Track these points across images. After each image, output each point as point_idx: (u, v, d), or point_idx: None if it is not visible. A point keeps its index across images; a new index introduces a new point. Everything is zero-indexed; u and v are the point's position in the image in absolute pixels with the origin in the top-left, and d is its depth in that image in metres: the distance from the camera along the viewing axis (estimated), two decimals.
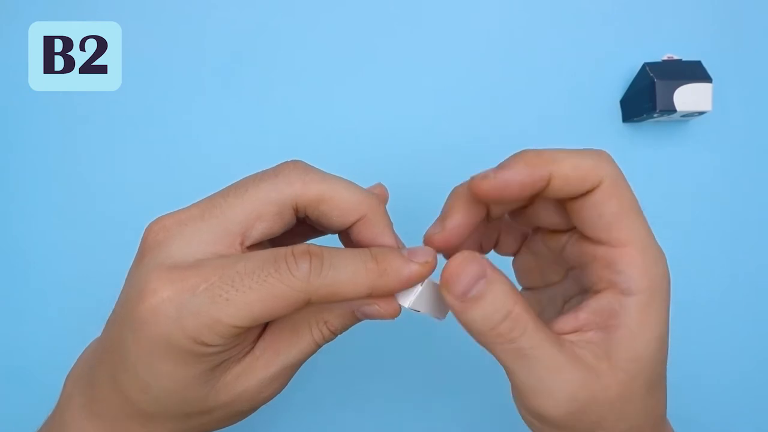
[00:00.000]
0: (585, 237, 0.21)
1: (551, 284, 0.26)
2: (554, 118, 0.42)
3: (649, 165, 0.42)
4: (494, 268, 0.20)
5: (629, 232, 0.20)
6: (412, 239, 0.24)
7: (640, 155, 0.42)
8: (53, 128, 0.41)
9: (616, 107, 0.42)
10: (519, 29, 0.42)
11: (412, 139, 0.42)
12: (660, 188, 0.42)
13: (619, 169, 0.21)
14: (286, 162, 0.23)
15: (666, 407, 0.25)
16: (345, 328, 0.24)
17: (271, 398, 0.23)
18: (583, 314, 0.21)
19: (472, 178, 0.21)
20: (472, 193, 0.21)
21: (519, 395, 0.21)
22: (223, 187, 0.23)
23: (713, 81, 0.38)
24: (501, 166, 0.20)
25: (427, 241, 0.23)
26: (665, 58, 0.40)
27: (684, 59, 0.40)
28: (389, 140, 0.42)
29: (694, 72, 0.38)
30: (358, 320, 0.24)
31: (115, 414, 0.22)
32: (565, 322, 0.21)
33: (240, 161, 0.42)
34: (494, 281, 0.20)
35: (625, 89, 0.42)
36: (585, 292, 0.22)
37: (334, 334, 0.24)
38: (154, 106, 0.41)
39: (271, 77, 0.42)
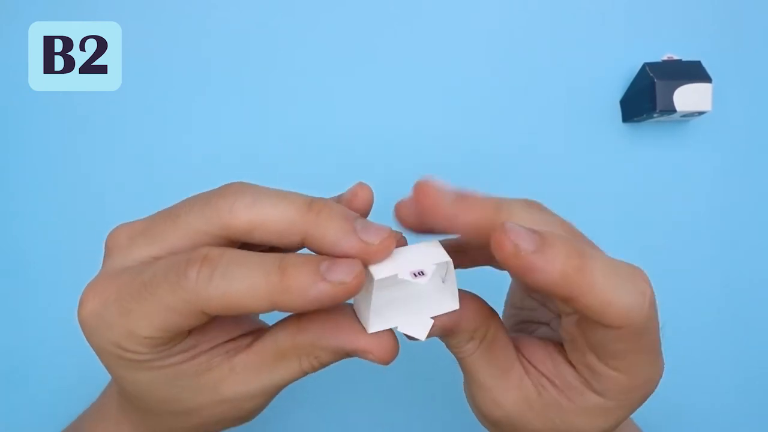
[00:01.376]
0: (582, 333, 0.20)
1: (525, 308, 0.27)
2: (554, 117, 0.42)
3: (649, 165, 0.42)
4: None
5: (629, 366, 0.20)
6: (408, 241, 0.24)
7: (640, 155, 0.42)
8: (53, 128, 0.41)
9: (616, 107, 0.42)
10: (519, 29, 0.42)
11: (412, 139, 0.42)
12: (660, 188, 0.42)
13: (655, 310, 0.19)
14: (224, 186, 0.20)
15: None
16: (337, 361, 0.22)
17: (257, 411, 0.22)
18: (551, 366, 0.22)
19: (503, 230, 0.17)
20: (492, 243, 0.18)
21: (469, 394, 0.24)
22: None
23: (713, 81, 0.38)
24: (544, 247, 0.17)
25: (425, 187, 0.19)
26: (665, 58, 0.40)
27: (684, 59, 0.40)
28: (389, 140, 0.42)
29: (694, 72, 0.38)
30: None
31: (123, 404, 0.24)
32: (533, 355, 0.22)
33: (240, 161, 0.42)
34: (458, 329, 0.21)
35: (625, 89, 0.42)
36: (558, 344, 0.23)
37: (324, 366, 0.22)
38: (154, 106, 0.41)
39: (271, 77, 0.42)
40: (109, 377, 0.26)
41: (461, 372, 0.24)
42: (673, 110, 0.38)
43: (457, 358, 0.23)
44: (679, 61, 0.40)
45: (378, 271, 0.19)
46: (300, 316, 0.21)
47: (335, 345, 0.20)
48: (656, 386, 0.21)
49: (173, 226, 0.20)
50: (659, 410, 0.41)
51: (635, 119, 0.41)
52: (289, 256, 0.18)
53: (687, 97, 0.38)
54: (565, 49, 0.42)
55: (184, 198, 0.21)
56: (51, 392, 0.42)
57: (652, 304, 0.19)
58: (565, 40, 0.42)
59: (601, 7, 0.42)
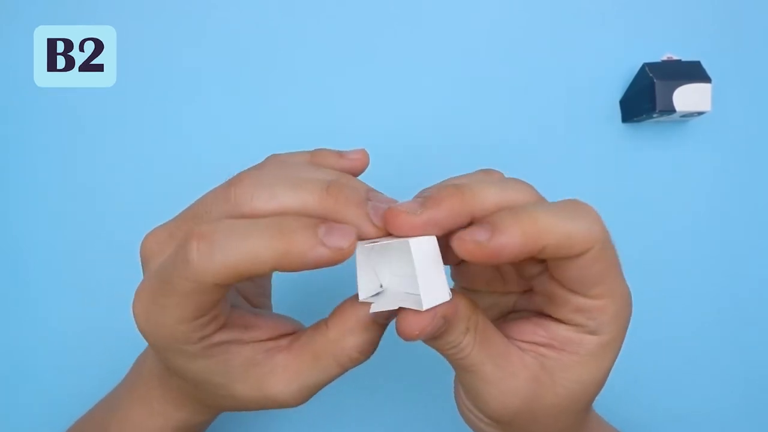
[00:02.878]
0: (559, 282, 0.21)
1: (495, 292, 0.26)
2: (554, 118, 0.42)
3: (649, 165, 0.42)
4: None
5: (608, 288, 0.21)
6: None
7: (640, 155, 0.42)
8: (56, 121, 0.43)
9: (616, 107, 0.42)
10: (518, 29, 0.42)
11: (412, 139, 0.42)
12: (659, 188, 0.42)
13: (605, 226, 0.21)
14: (237, 178, 0.21)
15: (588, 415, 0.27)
16: (371, 349, 0.23)
17: (298, 404, 0.24)
18: (542, 332, 0.22)
19: (459, 238, 0.19)
20: (457, 252, 0.19)
21: (463, 395, 0.24)
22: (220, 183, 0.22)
23: (712, 81, 0.38)
24: (494, 229, 0.19)
25: (393, 216, 0.20)
26: (665, 58, 0.40)
27: (683, 59, 0.40)
28: (388, 140, 0.42)
29: (694, 72, 0.38)
30: (381, 331, 0.23)
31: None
32: (522, 332, 0.23)
33: (233, 157, 0.42)
34: (456, 319, 0.21)
35: (625, 89, 0.42)
36: (539, 313, 0.23)
37: (361, 362, 0.23)
38: (146, 101, 0.42)
39: (265, 76, 0.42)
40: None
41: (453, 383, 0.24)
42: (672, 110, 0.38)
43: (454, 360, 0.22)
44: (679, 61, 0.40)
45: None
46: (331, 318, 0.23)
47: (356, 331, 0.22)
48: (631, 307, 0.22)
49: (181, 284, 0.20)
50: (662, 411, 0.42)
51: (635, 119, 0.41)
52: (287, 220, 0.19)
53: (686, 97, 0.38)
54: (565, 49, 0.42)
55: (203, 194, 0.23)
56: (51, 392, 0.42)
57: (601, 222, 0.20)
58: (565, 40, 0.42)
59: (601, 7, 0.42)
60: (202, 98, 0.42)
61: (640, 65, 0.40)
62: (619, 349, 0.22)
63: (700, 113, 0.39)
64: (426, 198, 0.20)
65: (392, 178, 0.42)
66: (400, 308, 0.20)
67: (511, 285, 0.25)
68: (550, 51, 0.42)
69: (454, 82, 0.42)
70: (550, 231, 0.19)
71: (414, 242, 0.19)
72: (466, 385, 0.23)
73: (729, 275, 0.42)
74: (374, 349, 0.23)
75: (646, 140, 0.42)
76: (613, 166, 0.42)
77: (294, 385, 0.22)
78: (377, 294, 0.22)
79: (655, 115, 0.39)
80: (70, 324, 0.42)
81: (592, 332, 0.22)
